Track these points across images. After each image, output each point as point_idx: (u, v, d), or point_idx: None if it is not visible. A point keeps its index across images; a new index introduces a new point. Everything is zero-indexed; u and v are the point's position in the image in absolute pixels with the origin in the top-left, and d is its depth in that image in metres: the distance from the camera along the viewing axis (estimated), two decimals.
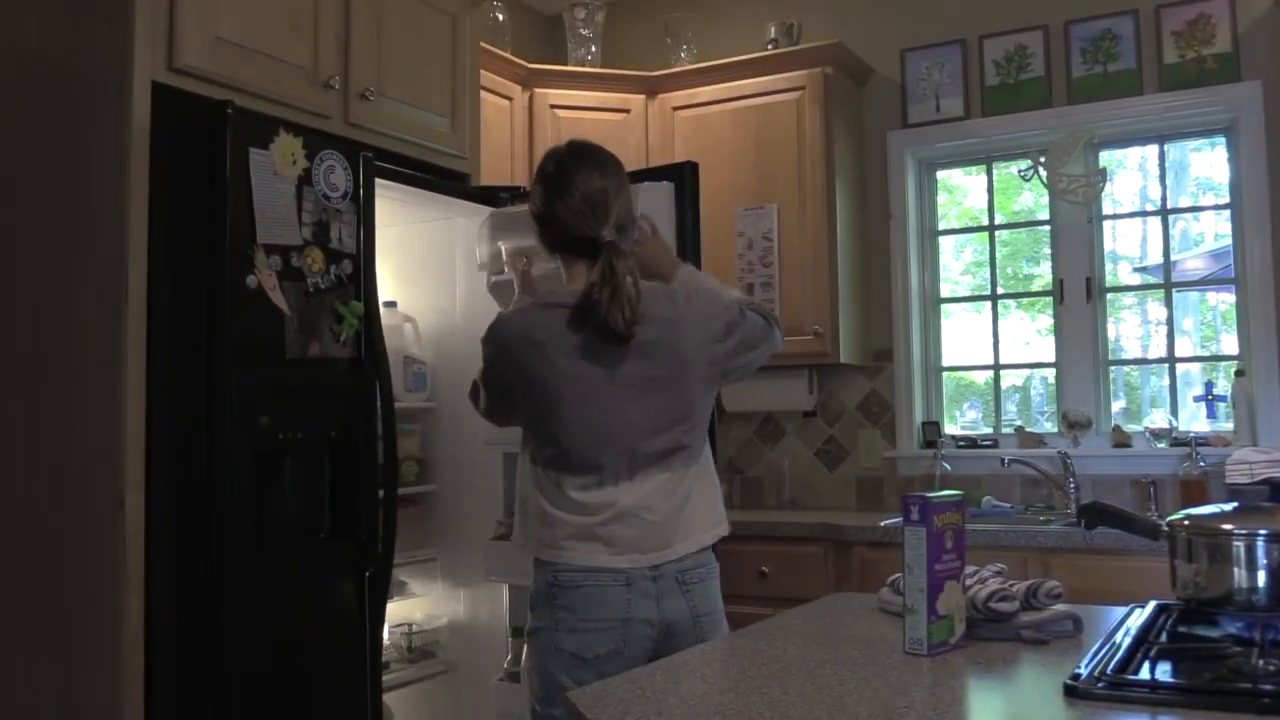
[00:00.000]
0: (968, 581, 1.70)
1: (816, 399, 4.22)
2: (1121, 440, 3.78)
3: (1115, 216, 4.02)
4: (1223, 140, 3.84)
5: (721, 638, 2.00)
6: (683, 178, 2.89)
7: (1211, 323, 4.05)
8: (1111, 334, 3.99)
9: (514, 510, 2.21)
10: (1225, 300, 3.92)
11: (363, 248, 2.59)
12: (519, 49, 4.20)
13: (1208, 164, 3.97)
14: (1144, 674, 1.37)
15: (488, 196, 3.18)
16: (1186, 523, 1.59)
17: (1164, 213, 3.93)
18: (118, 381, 2.25)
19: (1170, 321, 3.89)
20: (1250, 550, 1.49)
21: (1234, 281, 3.80)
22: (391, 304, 3.12)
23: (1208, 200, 3.94)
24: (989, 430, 4.13)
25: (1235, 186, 3.78)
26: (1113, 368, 3.98)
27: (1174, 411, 3.84)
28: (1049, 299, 4.06)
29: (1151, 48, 3.81)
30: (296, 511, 2.45)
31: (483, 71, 3.44)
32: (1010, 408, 4.22)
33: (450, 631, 3.16)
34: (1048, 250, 4.08)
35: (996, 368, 4.16)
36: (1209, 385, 3.77)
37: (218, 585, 2.24)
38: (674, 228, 2.84)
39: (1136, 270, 4.08)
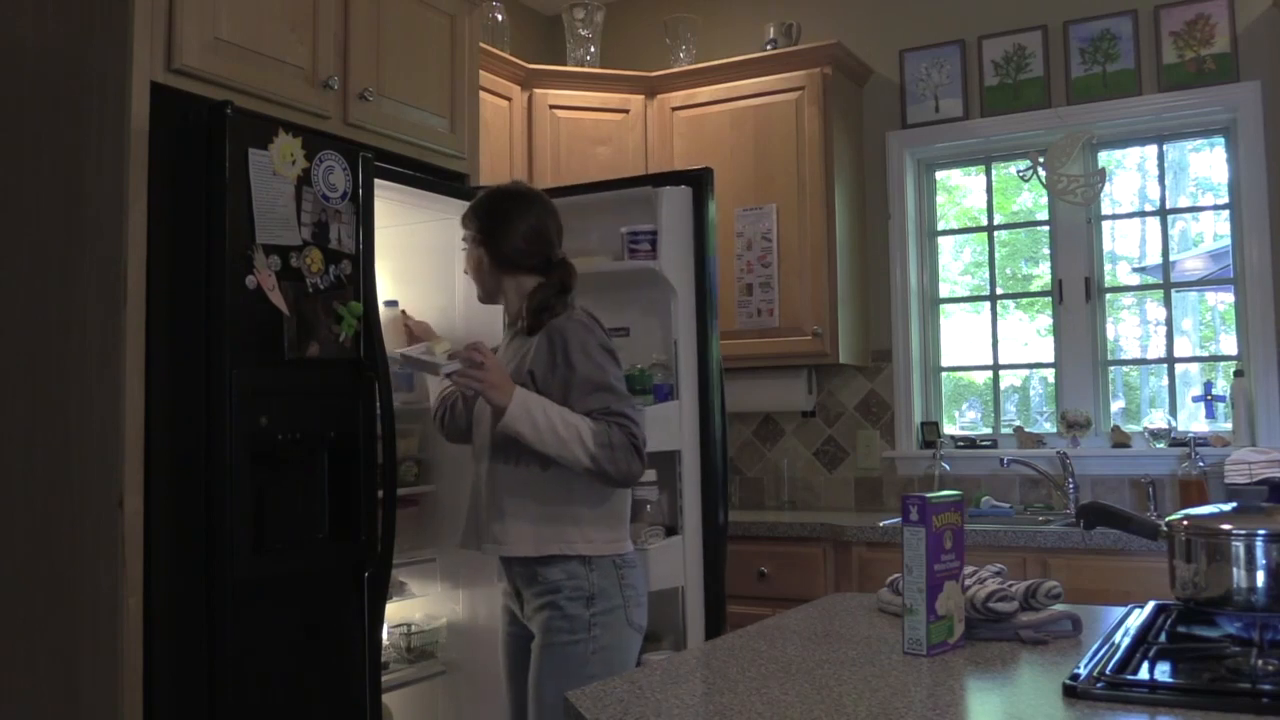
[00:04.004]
0: (967, 582, 1.71)
1: (815, 399, 4.23)
2: (1120, 440, 3.78)
3: (1114, 217, 4.03)
4: (1221, 140, 3.84)
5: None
6: (701, 183, 3.02)
7: (1210, 323, 4.05)
8: (1110, 334, 3.99)
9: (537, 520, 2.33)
10: (1224, 300, 3.93)
11: (362, 248, 2.59)
12: (518, 49, 4.20)
13: (1207, 164, 3.97)
14: (1143, 674, 1.37)
15: None
16: (1185, 523, 1.59)
17: (1163, 213, 3.93)
18: (116, 382, 2.25)
19: (1169, 322, 3.90)
20: (1249, 550, 1.49)
21: (1233, 282, 3.80)
22: (392, 303, 3.12)
23: (1207, 200, 3.94)
24: (988, 430, 4.13)
25: (1234, 187, 3.79)
26: (1112, 368, 3.98)
27: (1173, 412, 3.85)
28: (1048, 299, 4.07)
29: (1150, 48, 3.81)
30: (295, 512, 2.44)
31: (482, 72, 3.44)
32: (1009, 408, 4.22)
33: (449, 632, 3.16)
34: (1047, 250, 4.08)
35: (995, 368, 4.16)
36: (1208, 385, 3.77)
37: (217, 586, 2.23)
38: (692, 230, 3.01)
39: (1135, 270, 4.08)
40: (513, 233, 2.44)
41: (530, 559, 2.30)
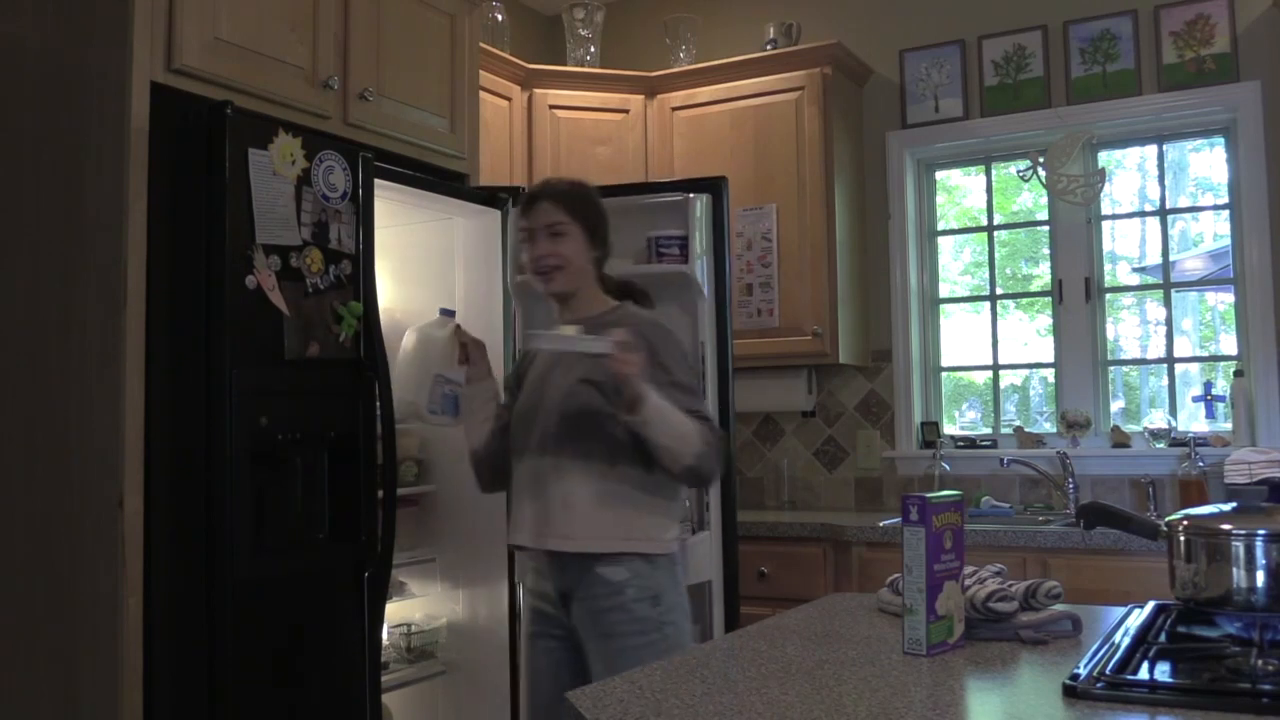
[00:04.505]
0: (966, 582, 1.71)
1: (816, 399, 4.22)
2: (1120, 440, 3.78)
3: (1114, 217, 4.03)
4: (1221, 140, 3.84)
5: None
6: (719, 190, 3.18)
7: (1210, 323, 4.05)
8: (1110, 334, 3.99)
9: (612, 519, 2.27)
10: (1224, 300, 3.92)
11: (362, 248, 2.59)
12: (518, 49, 4.20)
13: (1206, 164, 3.97)
14: (1143, 674, 1.37)
15: (487, 197, 3.19)
16: (1185, 523, 1.59)
17: (1163, 213, 3.93)
18: (117, 382, 2.25)
19: (1169, 321, 3.90)
20: (1249, 550, 1.49)
21: (1233, 281, 3.80)
22: (450, 312, 2.86)
23: (1206, 200, 3.94)
24: (988, 430, 4.13)
25: (1234, 187, 3.78)
26: (1111, 368, 3.98)
27: (1173, 412, 3.85)
28: (1048, 299, 4.07)
29: (1150, 48, 3.81)
30: (296, 512, 2.45)
31: (482, 72, 3.44)
32: (1009, 408, 4.22)
33: (449, 632, 3.16)
34: (1047, 250, 4.08)
35: (995, 368, 4.16)
36: (1208, 385, 3.77)
37: (217, 586, 2.24)
38: (711, 235, 3.17)
39: (1135, 270, 4.08)
40: (609, 231, 2.39)
41: (592, 556, 2.22)
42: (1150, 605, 1.76)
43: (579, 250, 2.34)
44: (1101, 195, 3.91)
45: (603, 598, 2.21)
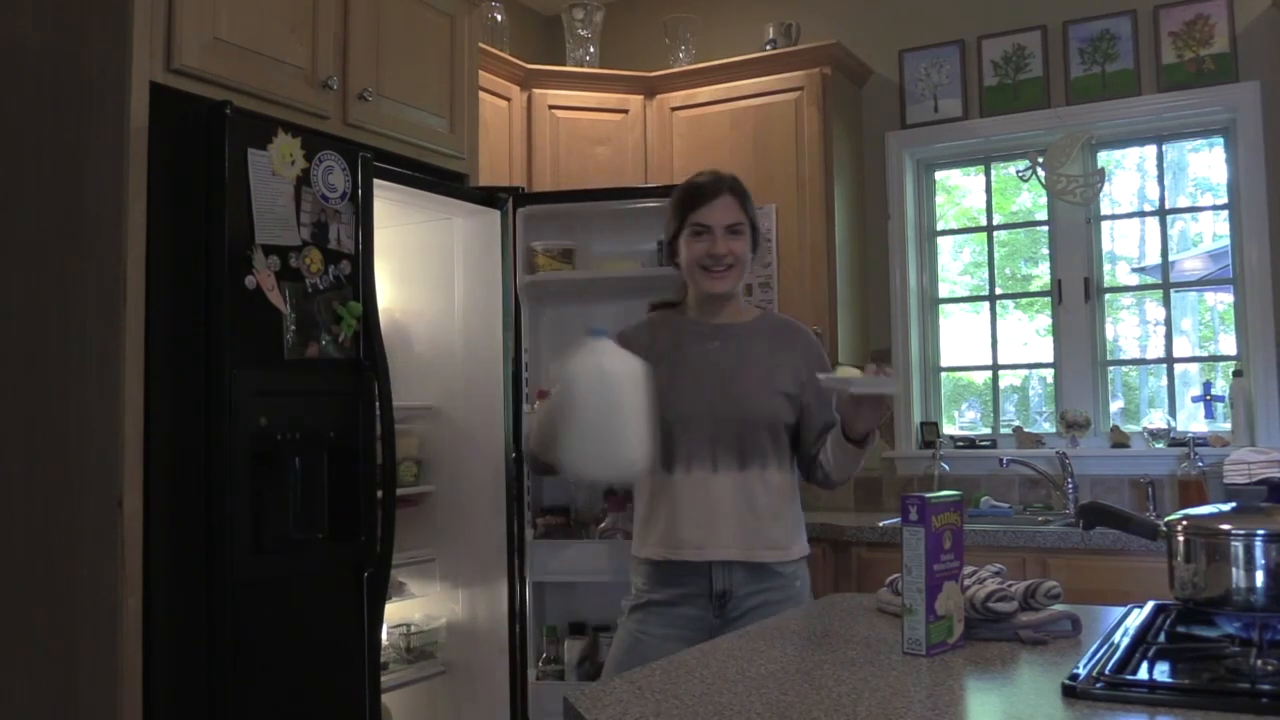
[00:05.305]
0: (966, 582, 1.71)
1: None
2: (1120, 440, 3.78)
3: (1113, 217, 4.03)
4: (1221, 141, 3.84)
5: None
6: None
7: (1210, 323, 4.05)
8: (1110, 334, 3.99)
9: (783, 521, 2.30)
10: (1223, 300, 3.93)
11: (361, 248, 2.59)
12: (517, 49, 4.20)
13: (1206, 164, 3.97)
14: (1142, 674, 1.37)
15: (486, 197, 3.19)
16: (1184, 523, 1.59)
17: (1162, 213, 3.93)
18: (116, 382, 2.25)
19: (1168, 322, 3.90)
20: (1248, 550, 1.49)
21: (1232, 282, 3.80)
22: (601, 331, 2.47)
23: (1206, 201, 3.95)
24: (987, 430, 4.13)
25: (1233, 187, 3.79)
26: (1111, 368, 3.99)
27: (1172, 412, 3.85)
28: (1047, 299, 4.07)
29: (1150, 48, 3.81)
30: (295, 512, 2.44)
31: (481, 72, 3.44)
32: (1009, 408, 4.22)
33: (449, 632, 3.16)
34: (1046, 251, 4.08)
35: (995, 368, 4.16)
36: (1207, 385, 3.78)
37: (216, 586, 2.24)
38: None
39: (1135, 270, 4.09)
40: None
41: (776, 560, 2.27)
42: (1150, 605, 1.75)
43: (749, 251, 2.31)
44: (1101, 195, 3.91)
45: (775, 589, 2.24)
